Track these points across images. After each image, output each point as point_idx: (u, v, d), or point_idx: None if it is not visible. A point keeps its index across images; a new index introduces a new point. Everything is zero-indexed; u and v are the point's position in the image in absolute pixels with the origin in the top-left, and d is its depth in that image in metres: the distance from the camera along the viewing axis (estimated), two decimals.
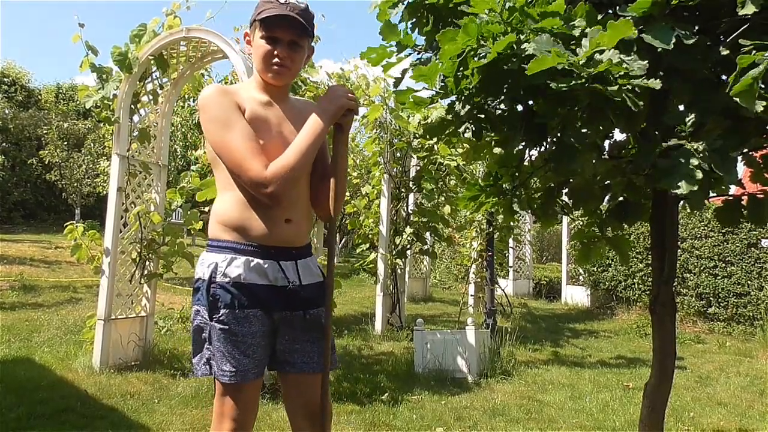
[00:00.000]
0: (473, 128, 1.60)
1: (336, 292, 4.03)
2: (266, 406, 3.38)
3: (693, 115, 1.38)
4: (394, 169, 6.11)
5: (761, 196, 1.62)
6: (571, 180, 1.83)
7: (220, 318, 1.53)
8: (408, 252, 6.30)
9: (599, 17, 1.33)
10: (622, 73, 1.21)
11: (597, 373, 4.69)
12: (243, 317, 1.54)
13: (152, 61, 4.20)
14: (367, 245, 6.69)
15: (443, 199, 6.20)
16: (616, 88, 1.21)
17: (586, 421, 3.53)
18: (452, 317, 6.95)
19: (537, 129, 1.46)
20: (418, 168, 6.21)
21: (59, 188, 14.93)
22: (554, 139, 1.55)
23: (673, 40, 1.26)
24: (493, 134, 1.69)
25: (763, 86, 1.24)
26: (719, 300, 6.86)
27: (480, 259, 6.60)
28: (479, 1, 1.31)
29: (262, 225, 1.57)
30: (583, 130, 1.48)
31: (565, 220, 8.95)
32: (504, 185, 1.86)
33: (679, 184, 1.25)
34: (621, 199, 1.84)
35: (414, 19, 1.74)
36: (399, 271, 6.18)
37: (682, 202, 1.79)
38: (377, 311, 5.96)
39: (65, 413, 3.12)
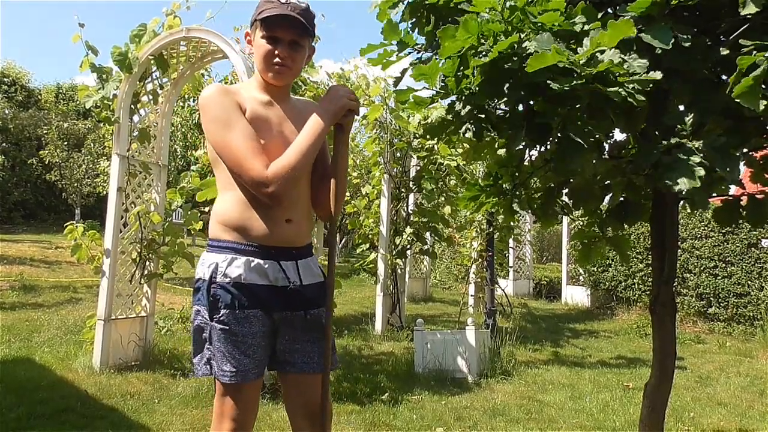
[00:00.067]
0: (474, 129, 1.60)
1: (336, 292, 4.03)
2: (266, 406, 3.38)
3: (692, 115, 1.38)
4: (394, 169, 6.11)
5: (761, 196, 1.62)
6: (571, 180, 1.83)
7: (221, 318, 1.53)
8: (408, 252, 6.29)
9: (599, 16, 1.33)
10: (622, 72, 1.21)
11: (597, 373, 4.69)
12: (243, 317, 1.54)
13: (152, 61, 4.20)
14: (367, 245, 6.69)
15: (443, 199, 6.20)
16: (615, 89, 1.20)
17: (586, 421, 3.53)
18: (452, 317, 6.95)
19: (538, 129, 1.46)
20: (418, 168, 6.21)
21: (59, 188, 14.93)
22: (555, 139, 1.55)
23: (672, 40, 1.26)
24: (494, 134, 1.68)
25: (763, 86, 1.24)
26: (719, 300, 6.86)
27: (480, 259, 6.60)
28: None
29: (262, 225, 1.56)
30: (585, 129, 1.49)
31: (565, 220, 8.95)
32: (504, 185, 1.86)
33: (681, 181, 1.25)
34: (621, 199, 1.84)
35: (414, 19, 1.74)
36: (399, 271, 6.18)
37: (682, 202, 1.79)
38: (377, 311, 5.96)
39: (65, 413, 3.12)
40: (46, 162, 14.46)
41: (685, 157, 1.28)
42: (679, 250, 6.68)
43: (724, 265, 6.84)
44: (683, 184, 1.24)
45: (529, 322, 7.05)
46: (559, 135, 1.46)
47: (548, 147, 1.70)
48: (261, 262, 1.57)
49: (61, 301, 6.45)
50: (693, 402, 4.02)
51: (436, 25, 1.68)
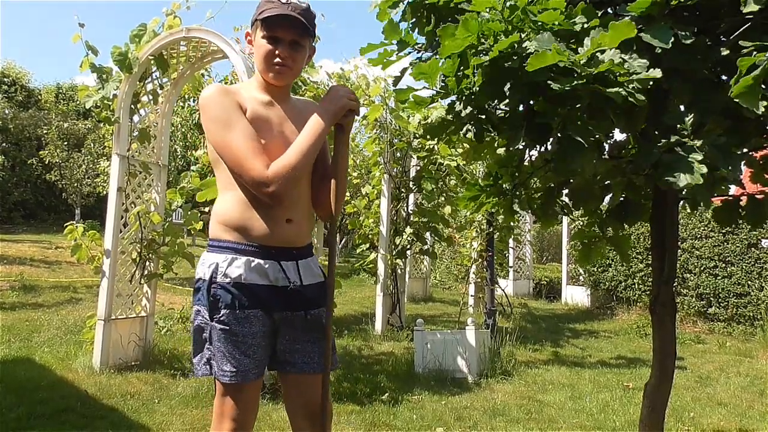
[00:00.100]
0: (474, 130, 1.60)
1: (336, 292, 4.03)
2: (266, 406, 3.38)
3: (693, 115, 1.38)
4: (394, 169, 6.11)
5: (761, 196, 1.62)
6: (571, 180, 1.83)
7: (221, 318, 1.53)
8: (408, 252, 6.29)
9: (599, 14, 1.33)
10: (622, 72, 1.21)
11: (597, 373, 4.69)
12: (243, 317, 1.54)
13: (152, 61, 4.20)
14: (367, 245, 6.69)
15: (443, 199, 6.20)
16: (616, 89, 1.20)
17: (586, 421, 3.53)
18: (452, 317, 6.95)
19: (538, 129, 1.46)
20: (418, 168, 6.21)
21: (59, 188, 14.92)
22: (555, 139, 1.55)
23: (672, 39, 1.26)
24: (494, 135, 1.68)
25: (763, 86, 1.24)
26: (719, 300, 6.86)
27: (480, 259, 6.61)
28: None
29: (263, 225, 1.57)
30: (585, 129, 1.49)
31: (565, 220, 8.95)
32: (504, 185, 1.86)
33: (683, 177, 1.24)
34: (621, 199, 1.84)
35: (414, 19, 1.74)
36: (399, 271, 6.18)
37: (682, 202, 1.79)
38: (377, 311, 5.96)
39: (65, 413, 3.12)
40: (46, 162, 14.46)
41: (686, 155, 1.28)
42: (679, 250, 6.68)
43: (724, 265, 6.84)
44: (685, 180, 1.24)
45: (529, 322, 7.05)
46: (559, 135, 1.47)
47: (548, 147, 1.70)
48: (261, 262, 1.57)
49: (61, 301, 6.45)
50: (693, 402, 4.02)
51: (436, 25, 1.68)
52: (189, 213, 4.37)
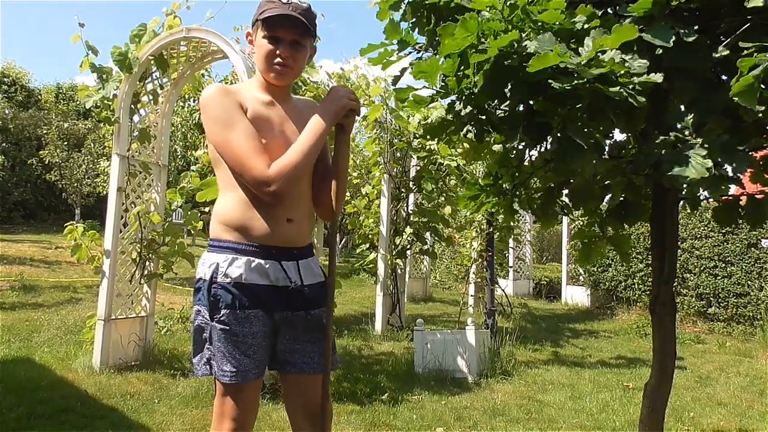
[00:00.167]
0: (475, 130, 1.60)
1: (336, 292, 4.03)
2: (266, 406, 3.38)
3: (693, 115, 1.38)
4: (394, 169, 6.11)
5: (760, 196, 1.62)
6: (571, 180, 1.83)
7: (221, 318, 1.53)
8: (408, 252, 6.29)
9: (599, 14, 1.33)
10: (623, 72, 1.21)
11: (597, 373, 4.69)
12: (244, 317, 1.54)
13: (152, 61, 4.20)
14: (367, 245, 6.69)
15: (443, 199, 6.20)
16: (617, 88, 1.20)
17: (586, 421, 3.53)
18: (452, 317, 6.95)
19: (538, 128, 1.46)
20: (418, 168, 6.21)
21: (59, 188, 14.92)
22: (555, 139, 1.55)
23: (673, 38, 1.26)
24: (495, 134, 1.68)
25: (763, 86, 1.24)
26: (719, 300, 6.86)
27: (480, 259, 6.60)
28: None
29: (263, 225, 1.57)
30: (584, 130, 1.49)
31: (565, 220, 8.95)
32: (504, 185, 1.86)
33: (689, 172, 1.23)
34: (621, 199, 1.84)
35: (415, 19, 1.74)
36: (399, 271, 6.18)
37: (682, 202, 1.79)
38: (377, 311, 5.96)
39: (65, 413, 3.12)
40: (46, 162, 14.45)
41: (691, 151, 1.27)
42: (679, 250, 6.68)
43: (724, 265, 6.84)
44: (692, 173, 1.22)
45: (529, 322, 7.05)
46: (559, 135, 1.47)
47: (548, 147, 1.70)
48: (262, 262, 1.57)
49: (61, 301, 6.45)
50: (693, 402, 4.02)
51: (436, 24, 1.68)
52: (189, 213, 4.38)
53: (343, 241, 14.56)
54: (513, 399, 3.91)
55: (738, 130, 1.38)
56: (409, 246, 6.15)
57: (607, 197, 1.86)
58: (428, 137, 1.96)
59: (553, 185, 1.90)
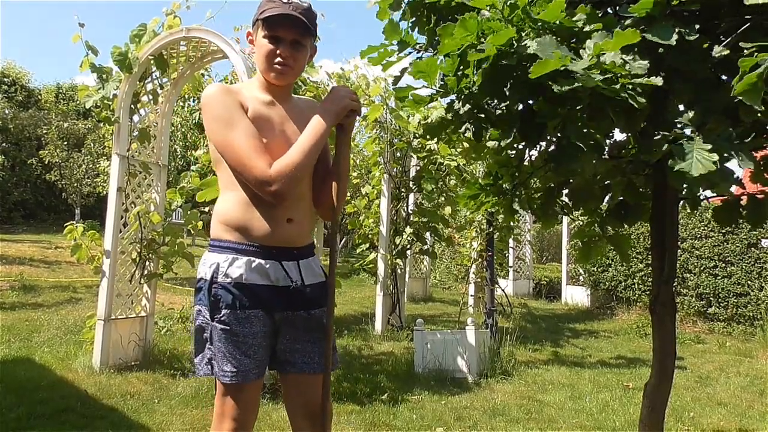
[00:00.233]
0: (473, 128, 1.60)
1: (336, 292, 4.03)
2: (266, 406, 3.38)
3: (694, 113, 1.38)
4: (394, 169, 6.11)
5: (761, 196, 1.62)
6: (571, 180, 1.84)
7: (222, 318, 1.53)
8: (408, 252, 6.29)
9: (599, 15, 1.33)
10: (624, 73, 1.21)
11: (597, 373, 4.69)
12: (244, 318, 1.54)
13: (152, 61, 4.20)
14: (367, 245, 6.69)
15: (443, 199, 6.20)
16: (618, 86, 1.20)
17: (586, 421, 3.53)
18: (452, 317, 6.95)
19: (536, 128, 1.46)
20: (418, 168, 6.21)
21: (59, 188, 14.91)
22: (554, 139, 1.55)
23: (675, 37, 1.26)
24: (491, 131, 1.69)
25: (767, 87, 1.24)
26: (719, 300, 6.86)
27: (480, 259, 6.60)
28: None
29: (264, 225, 1.56)
30: (584, 130, 1.49)
31: (565, 220, 8.95)
32: (504, 185, 1.86)
33: (695, 167, 1.21)
34: (621, 198, 1.84)
35: (414, 18, 1.74)
36: (399, 271, 6.18)
37: (682, 202, 1.79)
38: (377, 311, 5.96)
39: (65, 413, 3.12)
40: (46, 162, 14.44)
41: (695, 147, 1.24)
42: (679, 250, 6.68)
43: (724, 265, 6.84)
44: (699, 169, 1.20)
45: (529, 322, 7.05)
46: (559, 135, 1.47)
47: (548, 147, 1.70)
48: (262, 262, 1.57)
49: (61, 301, 6.45)
50: (693, 402, 4.02)
51: (436, 24, 1.68)
52: (189, 213, 4.37)
53: (343, 241, 14.57)
54: (513, 399, 3.91)
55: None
56: (409, 246, 6.15)
57: (607, 197, 1.86)
58: (428, 137, 1.96)
59: (553, 185, 1.90)
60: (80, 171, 14.60)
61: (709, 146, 1.23)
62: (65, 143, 14.78)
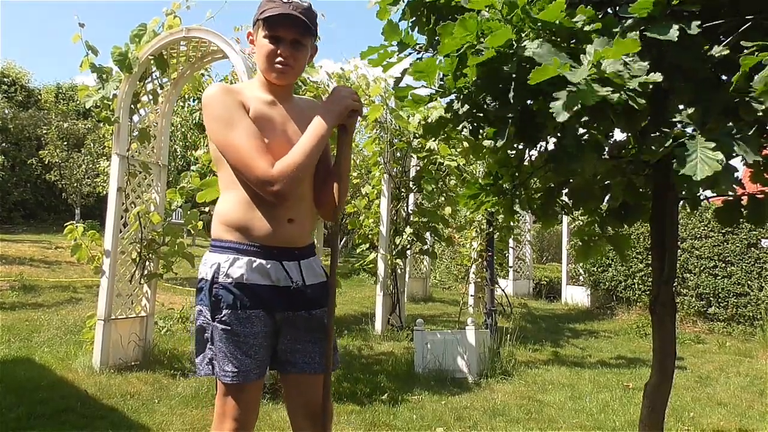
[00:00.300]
0: (471, 127, 1.60)
1: (336, 292, 4.03)
2: (266, 406, 3.38)
3: (694, 110, 1.38)
4: (394, 169, 6.11)
5: (761, 196, 1.62)
6: (571, 180, 1.84)
7: (223, 318, 1.53)
8: (408, 252, 6.29)
9: (599, 15, 1.33)
10: (626, 76, 1.20)
11: (597, 373, 4.69)
12: (245, 318, 1.54)
13: (152, 61, 4.20)
14: (367, 245, 6.69)
15: (443, 199, 6.20)
16: (617, 96, 1.19)
17: (586, 421, 3.54)
18: (452, 317, 6.95)
19: (536, 128, 1.46)
20: (418, 168, 6.21)
21: (59, 188, 14.91)
22: (555, 139, 1.55)
23: (677, 33, 1.25)
24: (489, 132, 1.69)
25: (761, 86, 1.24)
26: (719, 300, 6.86)
27: (480, 259, 6.60)
28: None
29: (265, 225, 1.57)
30: (583, 130, 1.49)
31: (565, 220, 8.95)
32: (504, 185, 1.86)
33: (700, 169, 1.19)
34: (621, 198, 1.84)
35: (414, 18, 1.74)
36: (399, 271, 6.18)
37: (682, 202, 1.79)
38: (377, 311, 5.96)
39: (65, 413, 3.12)
40: (46, 162, 14.44)
41: (699, 147, 1.23)
42: (679, 250, 6.68)
43: (724, 265, 6.84)
44: (704, 170, 1.18)
45: (529, 322, 7.05)
46: (559, 135, 1.47)
47: (547, 147, 1.70)
48: (263, 262, 1.57)
49: (61, 301, 6.45)
50: (693, 402, 4.02)
51: (436, 24, 1.68)
52: (189, 213, 4.37)
53: (343, 241, 14.57)
54: (513, 399, 3.91)
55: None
56: (409, 246, 6.15)
57: (607, 197, 1.86)
58: (428, 137, 1.96)
59: (553, 185, 1.90)
60: (80, 171, 14.60)
61: (713, 144, 1.22)
62: (65, 143, 14.78)
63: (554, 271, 10.67)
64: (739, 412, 3.85)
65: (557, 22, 1.28)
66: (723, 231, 6.82)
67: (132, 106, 4.22)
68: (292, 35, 1.59)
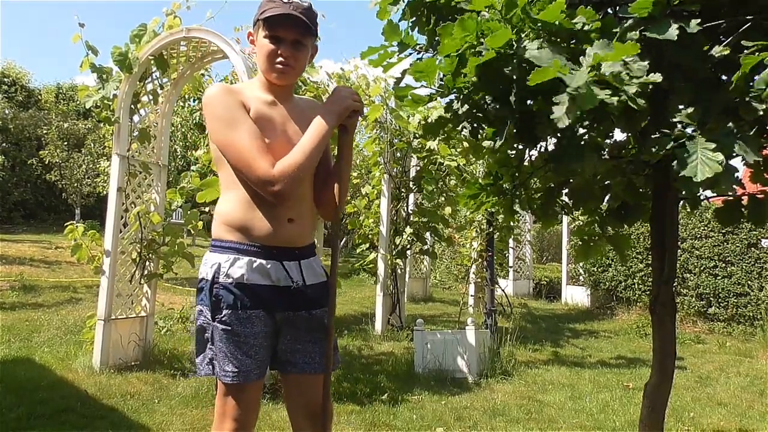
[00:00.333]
0: (470, 127, 1.60)
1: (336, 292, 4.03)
2: (266, 406, 3.38)
3: (693, 109, 1.38)
4: (394, 169, 6.11)
5: (761, 196, 1.62)
6: (571, 180, 1.84)
7: (223, 318, 1.54)
8: (408, 252, 6.29)
9: (600, 16, 1.33)
10: (626, 80, 1.20)
11: (597, 373, 4.69)
12: (245, 318, 1.54)
13: (152, 61, 4.20)
14: (367, 245, 6.69)
15: (443, 199, 6.20)
16: (616, 100, 1.19)
17: (586, 421, 3.54)
18: (452, 317, 6.95)
19: (535, 129, 1.46)
20: (418, 168, 6.21)
21: (59, 188, 14.91)
22: (555, 139, 1.55)
23: (677, 32, 1.25)
24: (488, 132, 1.69)
25: (764, 86, 1.24)
26: (719, 300, 6.86)
27: (480, 259, 6.60)
28: None
29: (266, 225, 1.57)
30: (583, 130, 1.49)
31: (565, 220, 8.95)
32: (504, 185, 1.86)
33: (701, 170, 1.19)
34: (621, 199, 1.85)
35: (414, 18, 1.74)
36: (399, 271, 6.18)
37: (682, 202, 1.79)
38: (377, 311, 5.96)
39: (65, 413, 3.12)
40: (46, 162, 14.45)
41: (698, 147, 1.23)
42: (679, 250, 6.68)
43: (724, 265, 6.84)
44: (705, 172, 1.18)
45: (529, 322, 7.05)
46: (558, 135, 1.47)
47: (547, 147, 1.70)
48: (263, 262, 1.57)
49: (61, 301, 6.45)
50: (693, 402, 4.03)
51: (436, 25, 1.68)
52: (189, 213, 4.38)
53: (343, 241, 14.57)
54: (513, 399, 3.91)
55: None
56: (409, 246, 6.15)
57: (607, 197, 1.86)
58: (428, 137, 1.96)
59: (553, 185, 1.90)
60: (80, 171, 14.60)
61: (713, 145, 1.21)
62: (65, 143, 14.79)
63: (554, 271, 10.67)
64: (739, 412, 3.85)
65: (557, 23, 1.28)
66: (723, 231, 6.82)
67: (132, 106, 4.22)
68: (292, 35, 1.59)
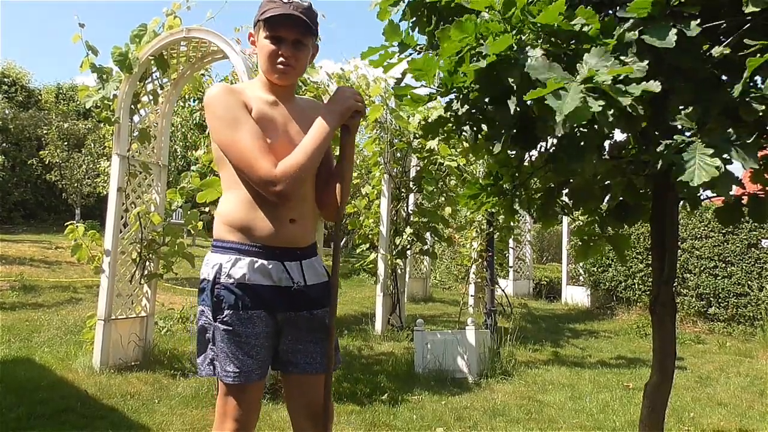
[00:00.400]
0: (471, 132, 1.61)
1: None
2: (267, 406, 3.38)
3: (693, 109, 1.38)
4: (395, 170, 6.11)
5: (762, 194, 1.62)
6: (571, 180, 1.84)
7: (224, 319, 1.53)
8: (408, 252, 6.29)
9: (599, 17, 1.33)
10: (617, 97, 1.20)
11: (597, 374, 4.69)
12: (247, 318, 1.54)
13: (152, 62, 4.20)
14: (367, 245, 6.69)
15: (443, 199, 6.20)
16: (610, 113, 1.19)
17: (586, 421, 3.54)
18: (452, 317, 6.95)
19: (534, 132, 1.46)
20: (419, 168, 6.21)
21: (59, 188, 14.91)
22: (555, 140, 1.55)
23: (675, 37, 1.25)
24: (487, 134, 1.69)
25: (761, 86, 1.24)
26: (719, 300, 6.86)
27: (480, 260, 6.60)
28: None
29: (267, 225, 1.56)
30: (583, 131, 1.49)
31: (565, 220, 8.95)
32: (504, 185, 1.86)
33: (699, 175, 1.20)
34: (621, 198, 1.85)
35: (415, 18, 1.74)
36: (399, 271, 6.18)
37: (682, 202, 1.79)
38: (377, 311, 5.96)
39: (65, 413, 3.13)
40: (46, 162, 14.45)
41: (698, 152, 1.24)
42: (679, 250, 6.68)
43: (724, 265, 6.84)
44: (702, 177, 1.19)
45: (529, 322, 7.05)
46: (558, 136, 1.47)
47: (547, 148, 1.70)
48: (265, 262, 1.57)
49: (61, 301, 6.45)
50: (693, 402, 4.03)
51: (436, 25, 1.68)
52: (189, 213, 4.37)
53: (343, 242, 14.56)
54: (513, 399, 3.91)
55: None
56: (409, 246, 6.15)
57: (607, 197, 1.86)
58: (428, 136, 1.96)
59: (553, 185, 1.90)
60: (80, 171, 14.61)
61: (711, 150, 1.22)
62: (65, 143, 14.79)
63: (554, 271, 10.67)
64: (739, 412, 3.85)
65: (556, 25, 1.28)
66: (723, 231, 6.82)
67: (132, 106, 4.22)
68: (293, 35, 1.59)
